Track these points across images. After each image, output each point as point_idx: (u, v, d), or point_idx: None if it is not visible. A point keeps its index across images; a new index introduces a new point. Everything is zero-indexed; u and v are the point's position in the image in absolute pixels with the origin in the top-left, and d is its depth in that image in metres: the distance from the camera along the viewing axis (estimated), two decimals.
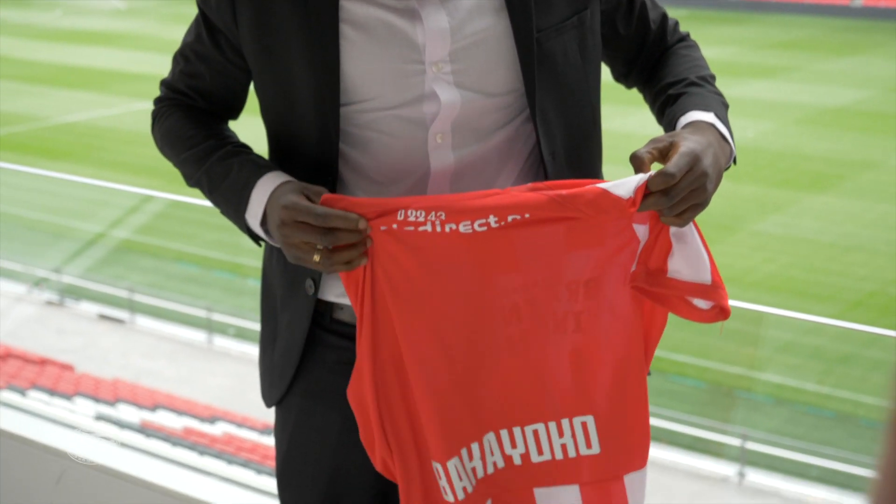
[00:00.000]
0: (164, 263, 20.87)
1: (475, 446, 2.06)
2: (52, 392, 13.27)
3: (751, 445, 14.04)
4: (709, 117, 2.04)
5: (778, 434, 14.79)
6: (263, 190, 2.02)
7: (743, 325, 17.05)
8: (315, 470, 2.29)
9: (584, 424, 2.06)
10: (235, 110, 2.29)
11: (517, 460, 2.08)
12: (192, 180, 2.19)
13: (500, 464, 2.08)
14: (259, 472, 9.11)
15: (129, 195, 22.03)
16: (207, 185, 2.14)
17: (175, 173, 2.22)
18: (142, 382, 15.59)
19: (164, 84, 2.30)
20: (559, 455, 2.08)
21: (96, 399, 13.47)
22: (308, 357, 2.24)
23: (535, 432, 2.06)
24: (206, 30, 2.19)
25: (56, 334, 18.11)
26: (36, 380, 13.95)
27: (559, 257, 1.98)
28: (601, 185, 1.92)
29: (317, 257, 1.91)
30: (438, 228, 1.94)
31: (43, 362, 15.49)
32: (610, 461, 2.09)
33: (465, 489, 2.06)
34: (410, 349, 2.01)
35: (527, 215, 1.93)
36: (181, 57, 2.25)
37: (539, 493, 2.09)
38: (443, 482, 2.05)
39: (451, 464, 2.05)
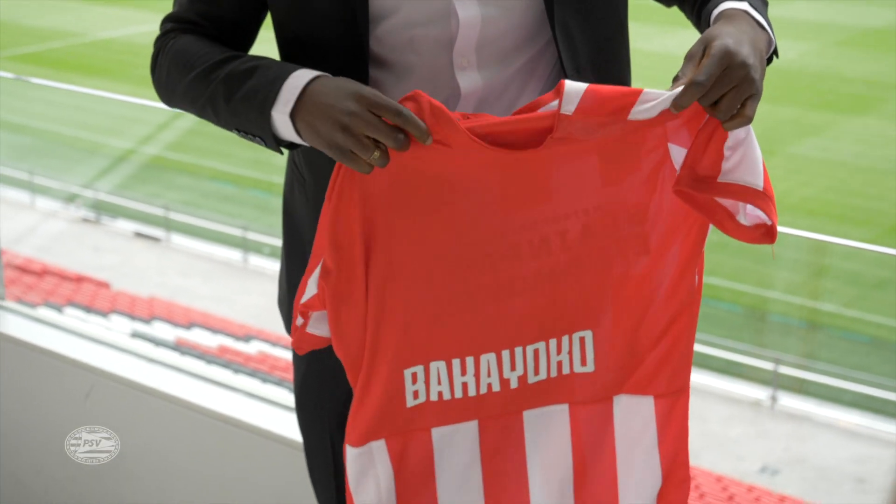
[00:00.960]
0: (199, 182, 20.94)
1: (470, 361, 2.00)
2: (88, 309, 13.37)
3: (784, 370, 14.05)
4: (741, 5, 1.96)
5: (811, 359, 14.78)
6: (295, 84, 1.90)
7: (779, 249, 16.99)
8: (331, 393, 2.28)
9: (581, 340, 2.01)
10: (248, 41, 2.19)
11: (514, 383, 2.02)
12: (201, 100, 2.04)
13: (496, 387, 2.02)
14: (293, 390, 9.15)
15: (159, 112, 22.03)
16: (223, 94, 1.99)
17: None
18: (177, 300, 15.68)
19: (169, 18, 2.16)
20: (553, 373, 2.02)
21: (132, 316, 13.57)
22: None
23: (536, 352, 2.01)
24: None
25: (92, 252, 18.21)
26: (72, 297, 14.04)
27: (592, 187, 1.93)
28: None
29: (377, 154, 1.80)
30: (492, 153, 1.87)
31: (79, 279, 15.59)
32: (602, 380, 2.03)
33: (440, 393, 2.01)
34: (413, 256, 1.95)
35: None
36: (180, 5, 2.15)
37: (528, 415, 2.04)
38: (416, 386, 2.00)
39: (435, 366, 2.00)
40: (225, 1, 2.11)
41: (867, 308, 16.18)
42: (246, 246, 17.76)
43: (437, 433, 2.04)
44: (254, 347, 12.90)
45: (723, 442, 12.60)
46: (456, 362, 2.00)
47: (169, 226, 18.82)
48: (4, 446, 3.73)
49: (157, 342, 12.07)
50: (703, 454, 11.82)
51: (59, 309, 12.96)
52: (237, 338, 13.38)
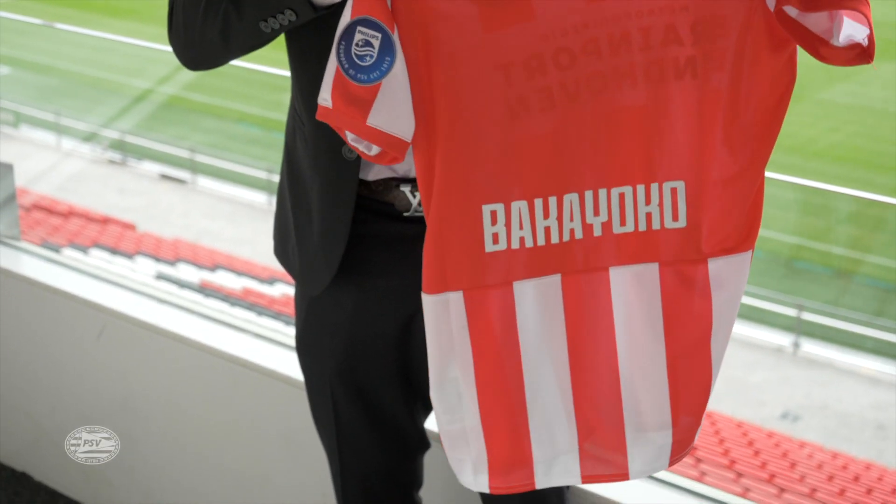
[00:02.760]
0: (226, 124, 20.92)
1: (553, 201, 1.90)
2: (113, 251, 13.40)
3: (806, 316, 14.03)
4: None
5: (834, 305, 14.75)
6: None
7: (805, 195, 16.91)
8: (331, 339, 2.27)
9: (673, 191, 1.91)
10: None
11: (597, 230, 1.92)
12: (217, 11, 1.97)
13: (579, 234, 1.92)
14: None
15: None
16: None
17: None
18: (202, 243, 15.71)
19: None
20: (643, 226, 1.92)
21: (157, 258, 13.59)
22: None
23: (622, 196, 1.90)
24: None
25: (118, 193, 18.25)
26: (98, 238, 14.07)
27: None
28: None
29: None
30: None
31: (105, 221, 15.62)
32: (694, 238, 1.93)
33: (522, 239, 1.92)
34: (484, 61, 1.86)
35: None
36: None
37: (614, 273, 1.94)
38: (496, 227, 1.92)
39: (517, 206, 1.91)
40: None
41: (891, 255, 16.11)
42: (271, 188, 17.77)
43: (519, 288, 1.95)
44: (278, 290, 12.92)
45: (744, 387, 12.60)
46: (538, 202, 1.90)
47: (195, 168, 18.83)
48: (20, 386, 3.76)
49: (182, 284, 12.11)
50: (725, 399, 11.82)
51: (84, 250, 12.99)
52: (261, 280, 13.40)
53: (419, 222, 2.13)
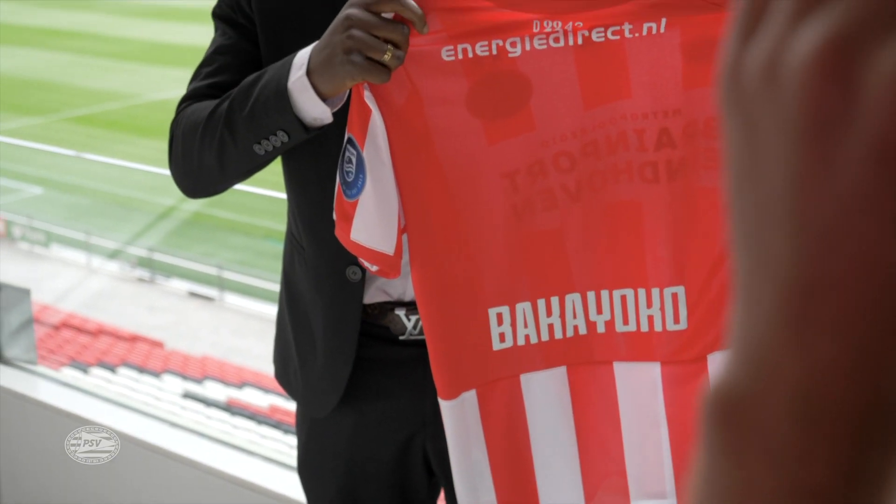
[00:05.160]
0: (252, 241, 21.03)
1: (555, 301, 1.95)
2: (141, 369, 13.40)
3: None
4: None
5: None
6: (302, 54, 1.89)
7: None
8: (332, 462, 2.27)
9: (674, 296, 1.94)
10: None
11: (601, 327, 1.96)
12: (217, 130, 2.00)
13: (583, 330, 1.97)
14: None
15: None
16: (239, 105, 1.96)
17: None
18: (230, 360, 15.70)
19: (183, 100, 2.16)
20: (644, 327, 1.95)
21: (184, 376, 13.59)
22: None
23: (623, 298, 1.95)
24: (229, 27, 2.13)
25: (147, 311, 18.32)
26: (126, 357, 14.10)
27: (673, 87, 1.86)
28: None
29: (389, 52, 1.77)
30: (571, 40, 1.84)
31: (133, 339, 15.66)
32: (695, 339, 1.96)
33: (527, 337, 1.96)
34: (474, 187, 1.90)
35: (663, 20, 1.82)
36: (202, 66, 2.17)
37: (619, 367, 1.98)
38: (502, 327, 1.96)
39: (521, 307, 1.95)
40: (238, 66, 2.11)
41: None
42: None
43: (526, 379, 1.99)
44: None
45: None
46: (541, 303, 1.96)
47: (222, 285, 18.91)
48: None
49: (209, 402, 12.08)
50: None
51: (112, 369, 13.01)
52: (289, 397, 13.33)
53: (415, 345, 2.16)
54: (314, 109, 1.89)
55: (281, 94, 1.89)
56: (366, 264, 1.94)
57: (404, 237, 1.93)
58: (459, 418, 1.99)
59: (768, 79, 0.41)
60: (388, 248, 1.91)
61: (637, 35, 1.84)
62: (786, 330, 0.40)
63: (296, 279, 2.23)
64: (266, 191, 20.70)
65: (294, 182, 2.17)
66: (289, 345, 2.28)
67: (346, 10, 1.81)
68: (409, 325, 2.17)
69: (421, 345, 2.08)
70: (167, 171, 2.17)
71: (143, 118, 28.98)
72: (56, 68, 34.88)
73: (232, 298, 18.80)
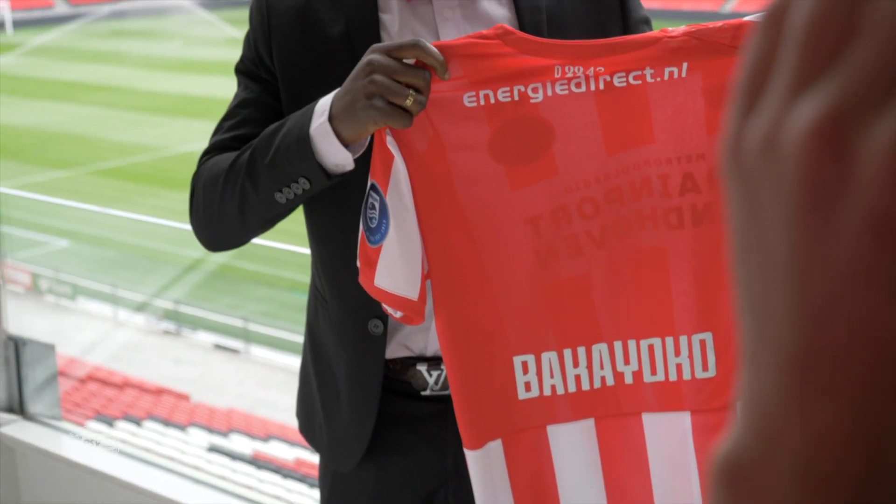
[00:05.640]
0: (277, 293, 21.03)
1: (582, 351, 1.93)
2: (167, 423, 13.39)
3: None
4: None
5: None
6: (324, 101, 1.90)
7: None
8: None
9: (702, 342, 1.92)
10: None
11: (629, 378, 1.94)
12: (238, 181, 2.01)
13: (610, 381, 1.94)
14: None
15: None
16: (260, 153, 1.97)
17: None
18: (256, 412, 15.67)
19: (205, 153, 2.18)
20: (673, 376, 1.93)
21: (210, 429, 13.56)
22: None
23: (651, 347, 1.93)
24: (252, 81, 2.16)
25: (172, 364, 18.33)
26: (152, 410, 14.09)
27: (696, 133, 1.86)
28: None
29: (411, 98, 1.78)
30: (592, 85, 1.85)
31: (159, 392, 15.66)
32: (725, 386, 1.94)
33: (553, 387, 1.94)
34: (496, 238, 1.90)
35: (684, 65, 1.83)
36: (225, 120, 2.18)
37: (648, 419, 1.96)
38: (528, 376, 1.93)
39: (547, 356, 1.93)
40: (261, 117, 2.12)
41: None
42: None
43: (553, 431, 1.97)
44: None
45: None
46: (567, 353, 1.94)
47: (248, 337, 18.90)
48: None
49: (234, 456, 12.04)
50: None
51: (138, 422, 13.00)
52: (315, 450, 13.30)
53: (437, 401, 2.15)
54: (336, 155, 1.89)
55: (303, 141, 1.90)
56: (389, 311, 1.93)
57: (428, 283, 1.93)
58: (485, 468, 1.97)
59: (767, 152, 0.42)
60: (412, 293, 1.90)
61: (659, 80, 1.84)
62: (787, 397, 0.41)
63: (319, 332, 2.24)
64: (291, 246, 20.73)
65: (317, 234, 2.18)
66: (313, 398, 2.28)
67: (368, 56, 1.82)
68: (431, 380, 2.16)
69: (443, 400, 2.09)
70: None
71: (171, 170, 29.08)
72: (85, 121, 35.13)
73: (257, 351, 18.79)
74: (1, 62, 46.45)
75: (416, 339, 2.15)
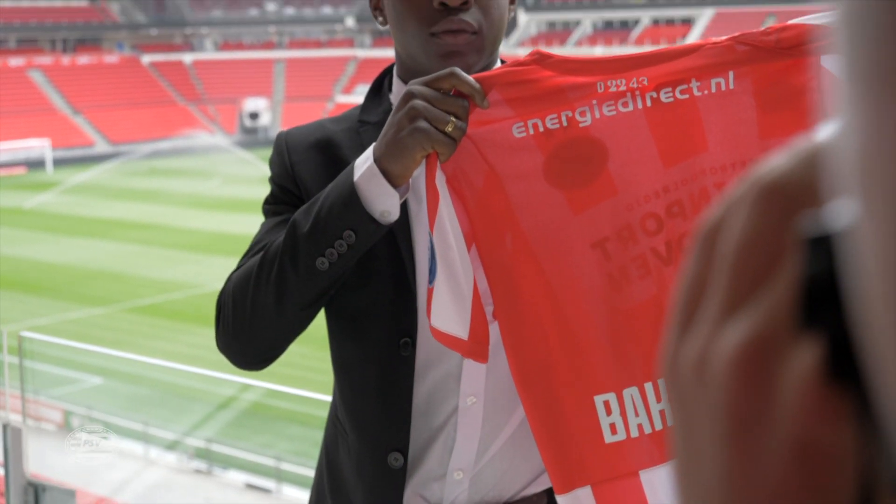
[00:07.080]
0: (310, 431, 20.90)
1: (663, 383, 1.81)
2: None
3: None
4: None
5: None
6: (366, 154, 1.90)
7: None
8: None
9: None
10: None
11: None
12: (275, 264, 1.98)
13: None
14: None
15: None
16: (300, 226, 1.96)
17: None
18: None
19: (231, 274, 2.19)
20: None
21: None
22: None
23: None
24: (276, 212, 2.19)
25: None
26: None
27: (749, 137, 1.81)
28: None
29: (452, 124, 1.80)
30: (640, 103, 1.81)
31: None
32: None
33: (640, 426, 1.85)
34: (577, 276, 1.86)
35: (731, 74, 1.79)
36: (253, 245, 2.16)
37: None
38: (612, 417, 1.85)
39: (629, 393, 1.85)
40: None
41: None
42: None
43: (648, 477, 1.86)
44: None
45: None
46: (648, 386, 1.85)
47: (280, 476, 18.75)
48: None
49: None
50: None
51: None
52: None
53: None
54: (383, 200, 1.87)
55: (348, 193, 1.89)
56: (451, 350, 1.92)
57: (493, 326, 1.91)
58: None
59: (698, 376, 0.43)
60: (462, 332, 1.87)
61: (706, 92, 1.81)
62: None
63: (338, 463, 2.21)
64: (319, 395, 20.62)
65: (338, 365, 2.18)
66: None
67: (408, 88, 1.83)
68: None
69: None
70: (226, 361, 2.16)
71: (207, 307, 29.03)
72: (121, 259, 35.39)
73: (289, 490, 18.63)
74: (41, 200, 46.98)
75: (433, 488, 2.09)
